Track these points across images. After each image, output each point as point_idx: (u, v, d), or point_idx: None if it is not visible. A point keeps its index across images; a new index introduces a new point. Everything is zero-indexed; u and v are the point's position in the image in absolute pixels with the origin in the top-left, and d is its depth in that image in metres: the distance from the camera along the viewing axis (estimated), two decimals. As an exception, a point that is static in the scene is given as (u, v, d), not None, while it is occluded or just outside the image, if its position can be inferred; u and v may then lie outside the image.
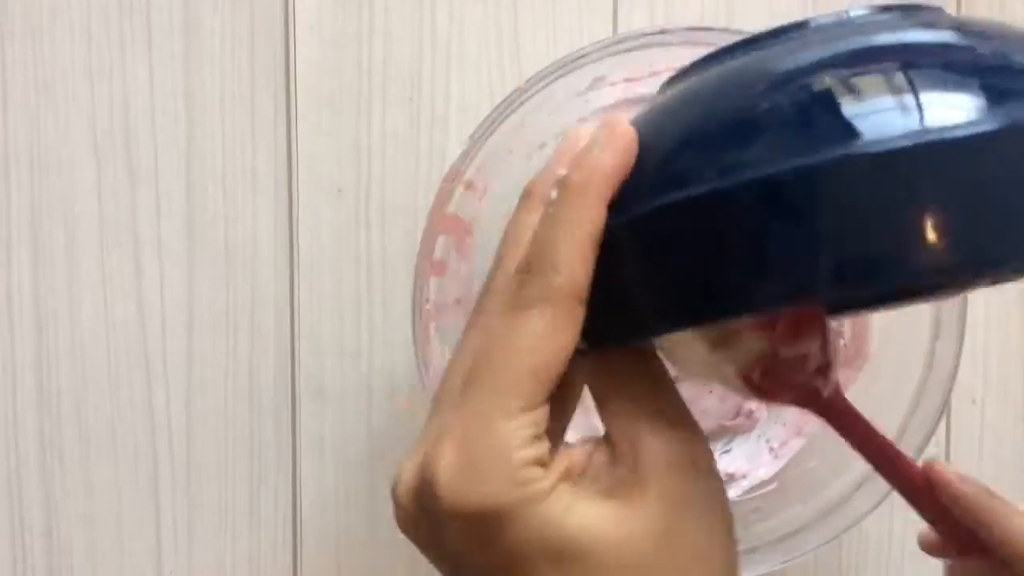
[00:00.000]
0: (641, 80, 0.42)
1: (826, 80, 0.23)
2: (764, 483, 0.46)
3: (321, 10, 0.51)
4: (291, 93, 0.51)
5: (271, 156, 0.51)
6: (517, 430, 0.24)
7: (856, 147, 0.22)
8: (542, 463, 0.25)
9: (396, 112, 0.51)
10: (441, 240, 0.42)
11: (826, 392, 0.31)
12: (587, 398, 0.28)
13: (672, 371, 0.29)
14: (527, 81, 0.41)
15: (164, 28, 0.51)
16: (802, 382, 0.30)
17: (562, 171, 0.26)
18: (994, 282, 0.29)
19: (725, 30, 0.40)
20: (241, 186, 0.51)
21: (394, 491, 0.27)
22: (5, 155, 0.51)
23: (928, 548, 0.34)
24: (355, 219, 0.51)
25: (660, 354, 0.29)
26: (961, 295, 0.40)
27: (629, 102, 0.43)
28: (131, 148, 0.51)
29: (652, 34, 0.40)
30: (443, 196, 0.42)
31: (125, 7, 0.51)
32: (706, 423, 0.47)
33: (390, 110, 0.51)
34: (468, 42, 0.51)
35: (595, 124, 0.26)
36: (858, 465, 0.37)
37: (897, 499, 0.32)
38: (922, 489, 0.32)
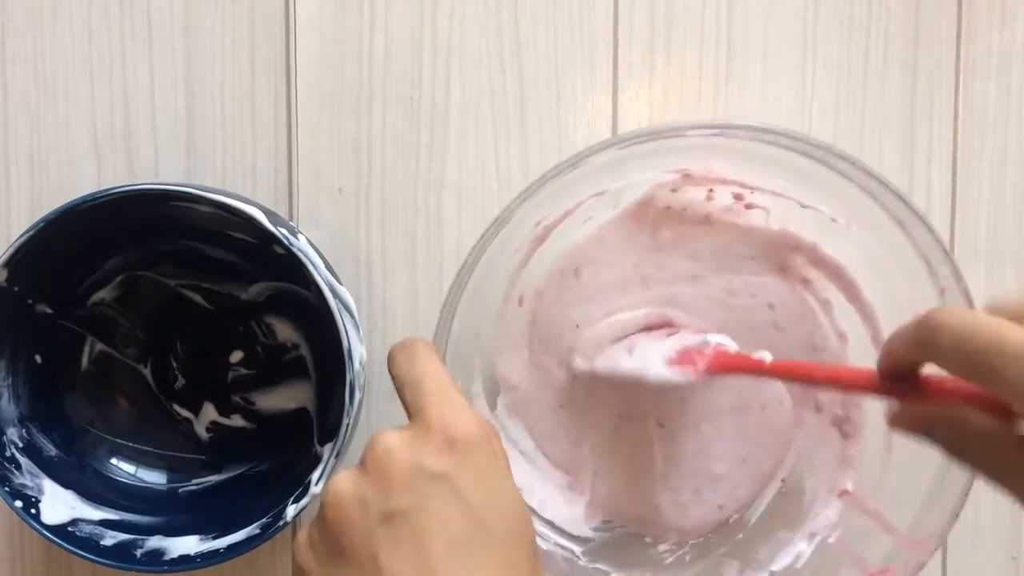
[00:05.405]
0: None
1: None
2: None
3: (322, 8, 0.51)
4: (291, 91, 0.51)
5: (271, 154, 0.51)
6: None
7: None
8: None
9: (396, 110, 0.51)
10: None
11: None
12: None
13: None
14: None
15: (164, 25, 0.51)
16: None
17: None
18: None
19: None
20: (241, 184, 0.51)
21: None
22: (5, 152, 0.51)
23: (898, 421, 0.33)
24: (355, 217, 0.51)
25: None
26: None
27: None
28: (131, 146, 0.51)
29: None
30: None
31: (126, 4, 0.51)
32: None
33: (390, 108, 0.51)
34: (468, 40, 0.51)
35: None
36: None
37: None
38: (884, 385, 0.32)
